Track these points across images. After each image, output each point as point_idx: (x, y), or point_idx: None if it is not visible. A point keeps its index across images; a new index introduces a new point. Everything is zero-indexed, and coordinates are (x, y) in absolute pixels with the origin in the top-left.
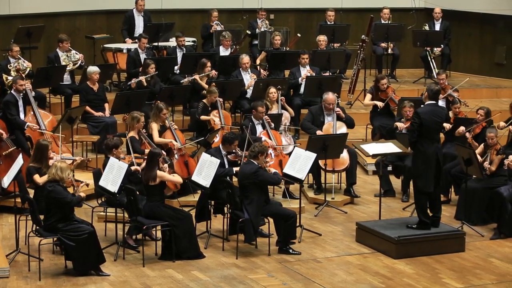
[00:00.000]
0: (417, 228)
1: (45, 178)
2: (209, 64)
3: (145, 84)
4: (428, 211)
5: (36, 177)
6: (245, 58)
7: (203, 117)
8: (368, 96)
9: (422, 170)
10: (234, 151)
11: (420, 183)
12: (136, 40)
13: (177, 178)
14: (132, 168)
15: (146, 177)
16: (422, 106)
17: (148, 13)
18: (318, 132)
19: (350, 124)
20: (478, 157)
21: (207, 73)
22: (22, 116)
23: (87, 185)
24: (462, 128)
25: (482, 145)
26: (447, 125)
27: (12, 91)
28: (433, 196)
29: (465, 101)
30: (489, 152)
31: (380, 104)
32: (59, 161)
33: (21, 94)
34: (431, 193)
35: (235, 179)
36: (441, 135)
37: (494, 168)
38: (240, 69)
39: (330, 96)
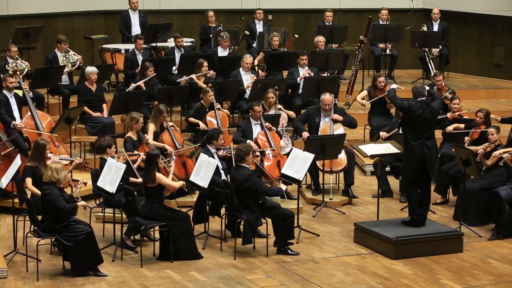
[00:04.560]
0: (408, 225)
1: (34, 190)
2: (205, 63)
3: (144, 88)
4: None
5: (28, 181)
6: (249, 59)
7: (191, 119)
8: (365, 92)
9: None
10: (221, 147)
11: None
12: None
13: (174, 184)
14: (131, 179)
15: (145, 179)
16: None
17: (143, 11)
18: (304, 134)
19: (351, 125)
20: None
21: (204, 72)
22: (16, 114)
23: (85, 184)
24: (455, 126)
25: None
26: (449, 114)
27: (3, 90)
28: (421, 195)
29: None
30: (488, 145)
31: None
32: (54, 162)
33: (12, 92)
34: (420, 191)
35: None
36: (440, 135)
37: (490, 163)
38: (241, 68)
39: (327, 97)
